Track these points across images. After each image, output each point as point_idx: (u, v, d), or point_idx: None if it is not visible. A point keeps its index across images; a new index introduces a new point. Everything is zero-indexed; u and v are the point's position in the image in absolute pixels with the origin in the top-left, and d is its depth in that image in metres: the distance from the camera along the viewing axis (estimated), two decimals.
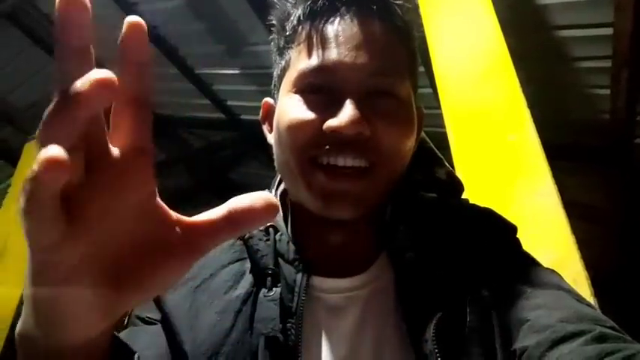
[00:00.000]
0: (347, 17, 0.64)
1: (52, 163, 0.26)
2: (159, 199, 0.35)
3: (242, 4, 3.44)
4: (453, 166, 1.65)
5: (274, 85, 0.73)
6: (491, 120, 1.77)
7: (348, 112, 0.58)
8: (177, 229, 0.35)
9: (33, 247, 0.30)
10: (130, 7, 3.98)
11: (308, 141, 0.60)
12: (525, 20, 3.01)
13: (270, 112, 0.73)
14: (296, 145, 0.61)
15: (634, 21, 2.74)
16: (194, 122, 5.33)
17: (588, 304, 0.58)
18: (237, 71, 4.30)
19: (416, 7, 0.70)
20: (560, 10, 2.97)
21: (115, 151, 0.32)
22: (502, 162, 1.66)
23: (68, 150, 0.26)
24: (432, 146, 0.77)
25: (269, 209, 0.35)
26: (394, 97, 0.63)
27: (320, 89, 0.62)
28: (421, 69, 3.43)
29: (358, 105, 0.59)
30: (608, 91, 3.29)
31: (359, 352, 0.58)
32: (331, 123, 0.58)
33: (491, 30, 1.98)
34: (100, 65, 0.31)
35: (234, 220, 0.35)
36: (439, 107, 1.95)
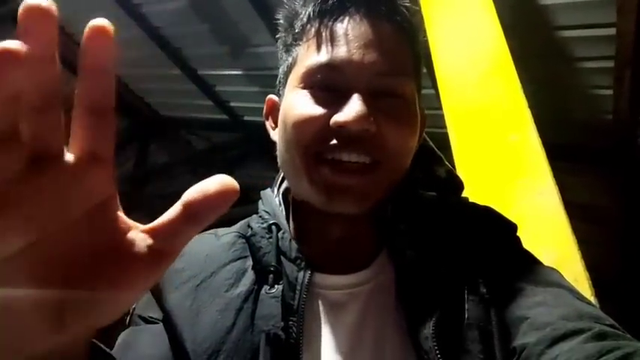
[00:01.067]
0: (356, 16, 0.65)
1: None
2: (119, 210, 0.34)
3: (245, 5, 3.45)
4: (454, 166, 1.65)
5: (279, 81, 0.73)
6: (492, 120, 1.77)
7: (354, 107, 0.59)
8: (139, 237, 0.34)
9: None
10: (133, 9, 3.99)
11: (314, 136, 0.61)
12: (528, 20, 3.01)
13: (274, 109, 0.74)
14: (302, 140, 0.62)
15: (637, 21, 2.74)
16: (197, 124, 5.34)
17: (589, 303, 0.58)
18: (240, 72, 4.31)
19: (416, 1, 0.71)
20: (562, 11, 2.97)
21: (71, 156, 0.31)
22: (503, 162, 1.66)
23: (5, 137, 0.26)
24: (432, 145, 0.77)
25: (226, 192, 0.32)
26: (400, 97, 0.64)
27: (327, 86, 0.63)
28: (423, 70, 3.44)
29: (365, 102, 0.59)
30: (610, 92, 3.28)
31: (360, 348, 0.59)
32: (338, 118, 0.59)
33: (492, 30, 1.98)
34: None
35: (192, 214, 0.33)
36: (441, 108, 1.95)
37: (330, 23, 0.65)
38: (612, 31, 2.91)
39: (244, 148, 5.04)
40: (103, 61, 0.32)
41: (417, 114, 0.67)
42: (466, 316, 0.56)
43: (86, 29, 0.32)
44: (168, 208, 0.34)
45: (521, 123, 1.71)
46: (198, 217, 0.33)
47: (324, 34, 0.65)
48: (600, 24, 2.95)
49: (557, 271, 0.64)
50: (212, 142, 5.46)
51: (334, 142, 0.60)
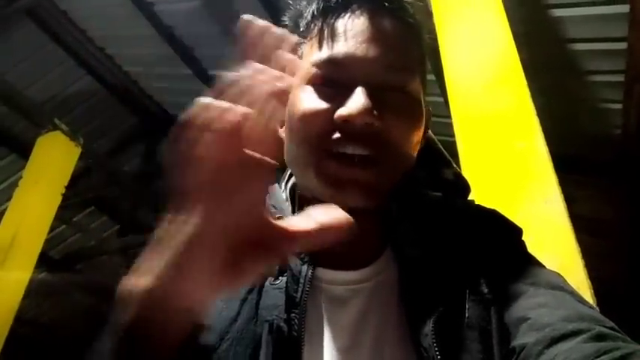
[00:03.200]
0: (359, 13, 0.65)
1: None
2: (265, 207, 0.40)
3: (257, 7, 3.47)
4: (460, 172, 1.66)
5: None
6: (500, 127, 1.78)
7: (358, 101, 0.59)
8: (275, 232, 0.40)
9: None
10: (147, 7, 4.02)
11: (319, 130, 0.61)
12: (539, 32, 3.02)
13: None
14: (307, 135, 0.62)
15: None
16: None
17: (590, 306, 0.58)
18: None
19: (426, 8, 0.72)
20: (574, 23, 2.97)
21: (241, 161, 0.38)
22: (510, 169, 1.66)
23: None
24: (441, 147, 0.78)
25: (347, 227, 0.40)
26: (404, 92, 0.64)
27: (332, 81, 0.63)
28: (433, 77, 3.45)
29: (369, 96, 0.60)
30: (620, 106, 3.28)
31: (360, 343, 0.59)
32: (342, 112, 0.59)
33: (503, 40, 1.99)
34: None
35: (320, 233, 0.39)
36: (450, 116, 1.96)
37: (334, 20, 0.66)
38: (624, 45, 2.91)
39: None
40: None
41: (422, 110, 0.67)
42: (467, 315, 0.56)
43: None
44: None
45: (529, 131, 1.71)
46: (322, 238, 0.40)
47: (327, 30, 0.65)
48: (612, 38, 2.96)
49: (560, 275, 0.64)
50: None
51: (339, 135, 0.61)
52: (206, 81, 4.59)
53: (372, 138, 0.60)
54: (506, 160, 1.69)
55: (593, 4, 2.84)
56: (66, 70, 4.68)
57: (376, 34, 0.64)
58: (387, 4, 0.66)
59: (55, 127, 4.25)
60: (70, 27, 4.36)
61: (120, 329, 0.41)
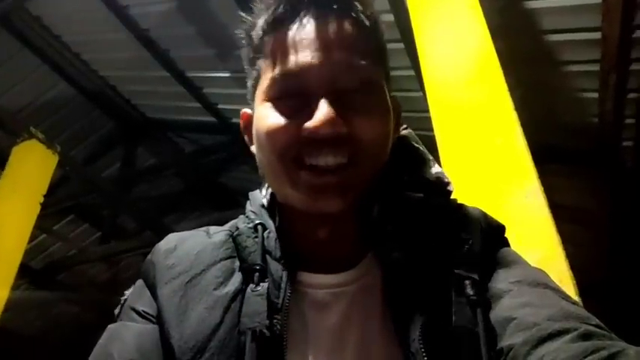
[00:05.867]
0: (310, 20, 0.64)
1: None
2: None
3: (233, 8, 3.45)
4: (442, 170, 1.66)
5: (249, 95, 0.73)
6: (479, 123, 1.79)
7: (322, 111, 0.58)
8: None
9: None
10: (121, 11, 3.98)
11: (287, 146, 0.61)
12: (515, 24, 3.04)
13: (249, 123, 0.73)
14: (277, 151, 0.62)
15: (621, 26, 2.78)
16: (184, 126, 5.33)
17: (574, 303, 0.59)
18: (228, 75, 4.30)
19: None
20: (548, 15, 3.00)
21: None
22: (489, 164, 1.67)
23: None
24: (422, 147, 0.77)
25: None
26: (367, 90, 0.63)
27: (292, 94, 0.62)
28: (412, 72, 3.47)
29: (332, 103, 0.59)
30: (596, 95, 3.33)
31: (344, 347, 0.59)
32: (307, 125, 0.59)
33: (479, 34, 2.00)
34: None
35: None
36: (429, 111, 1.97)
37: (286, 31, 0.65)
38: (598, 35, 2.95)
39: (232, 150, 5.02)
40: None
41: (388, 104, 0.67)
42: (453, 318, 0.56)
43: None
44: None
45: (508, 126, 1.73)
46: None
47: (280, 44, 0.64)
48: (586, 28, 2.99)
49: (544, 272, 0.65)
50: (200, 144, 5.44)
51: (308, 148, 0.60)
52: (183, 82, 4.56)
53: (343, 144, 0.60)
54: (486, 156, 1.70)
55: None
56: (41, 76, 4.62)
57: (329, 39, 0.63)
58: (334, 6, 0.65)
59: (31, 136, 4.18)
60: (44, 33, 4.29)
61: None
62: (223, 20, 3.72)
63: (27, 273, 5.63)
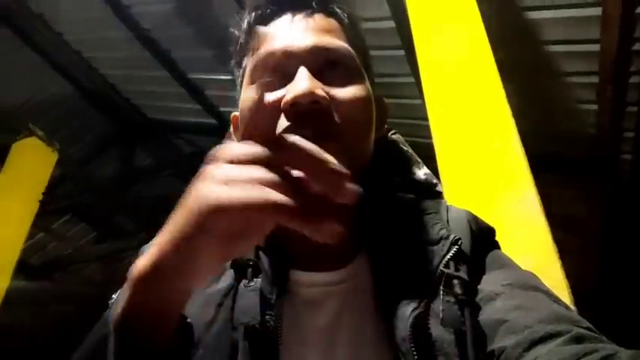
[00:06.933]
0: (289, 16, 0.69)
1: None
2: None
3: (235, 9, 3.46)
4: (438, 174, 1.67)
5: (238, 96, 0.75)
6: (477, 128, 1.80)
7: (301, 82, 0.60)
8: None
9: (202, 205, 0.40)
10: (123, 10, 3.99)
11: (268, 121, 0.61)
12: (515, 35, 3.06)
13: (238, 125, 0.75)
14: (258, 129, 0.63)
15: (619, 39, 2.80)
16: (184, 127, 5.32)
17: (565, 306, 0.59)
18: (229, 77, 4.30)
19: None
20: (548, 26, 3.02)
21: None
22: (486, 169, 1.68)
23: None
24: (410, 149, 0.78)
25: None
26: (345, 69, 0.66)
27: (273, 74, 0.65)
28: (412, 80, 3.48)
29: (311, 77, 0.61)
30: (594, 107, 3.34)
31: (335, 345, 0.59)
32: (287, 96, 0.60)
33: (478, 42, 2.01)
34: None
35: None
36: (427, 118, 1.98)
37: (268, 26, 0.70)
38: (596, 47, 2.97)
39: None
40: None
41: (368, 88, 0.68)
42: (441, 316, 0.57)
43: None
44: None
45: (505, 132, 1.74)
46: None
47: (262, 37, 0.68)
48: (585, 40, 3.01)
49: (535, 275, 0.65)
50: (199, 146, 5.44)
51: (288, 123, 0.61)
52: (183, 83, 4.56)
53: (323, 116, 0.61)
54: (483, 161, 1.71)
55: (567, 6, 2.89)
56: (41, 74, 4.62)
57: (307, 27, 0.67)
58: (312, 3, 0.69)
59: (31, 133, 4.19)
60: (45, 30, 4.29)
61: (125, 308, 0.45)
62: (226, 22, 3.73)
63: (24, 270, 5.61)
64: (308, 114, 0.60)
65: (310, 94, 0.59)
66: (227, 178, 0.41)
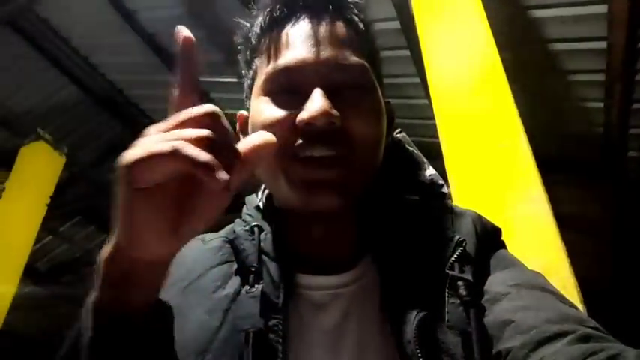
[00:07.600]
0: (305, 19, 0.67)
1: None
2: None
3: (241, 13, 3.47)
4: (444, 174, 1.67)
5: (246, 96, 0.75)
6: (484, 128, 1.80)
7: (317, 102, 0.59)
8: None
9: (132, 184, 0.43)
10: (130, 15, 4.01)
11: (282, 138, 0.60)
12: (521, 33, 3.05)
13: (246, 124, 0.75)
14: None
15: (627, 36, 2.78)
16: None
17: (572, 305, 0.59)
18: (235, 80, 4.32)
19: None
20: (555, 24, 3.01)
21: None
22: (494, 170, 1.68)
23: None
24: (416, 150, 0.78)
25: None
26: (359, 88, 0.65)
27: (288, 89, 0.64)
28: (417, 80, 3.47)
29: (326, 96, 0.60)
30: (601, 105, 3.32)
31: (342, 348, 0.59)
32: (302, 115, 0.60)
33: (484, 42, 2.01)
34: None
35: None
36: (434, 118, 1.98)
37: (282, 29, 0.67)
38: (603, 44, 2.95)
39: None
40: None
41: (380, 102, 0.68)
42: (446, 318, 0.57)
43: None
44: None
45: (512, 131, 1.73)
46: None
47: (277, 41, 0.66)
48: (591, 37, 3.00)
49: (541, 275, 0.65)
50: None
51: (302, 140, 0.61)
52: None
53: (336, 137, 0.60)
54: (490, 161, 1.70)
55: (573, 4, 2.88)
56: (49, 79, 4.64)
57: (324, 37, 0.65)
58: (330, 7, 0.67)
59: (39, 137, 4.22)
60: (52, 36, 4.32)
61: (97, 295, 0.47)
62: (231, 25, 3.74)
63: (32, 274, 5.65)
64: (321, 134, 0.60)
65: (325, 115, 0.59)
66: (141, 142, 0.44)
